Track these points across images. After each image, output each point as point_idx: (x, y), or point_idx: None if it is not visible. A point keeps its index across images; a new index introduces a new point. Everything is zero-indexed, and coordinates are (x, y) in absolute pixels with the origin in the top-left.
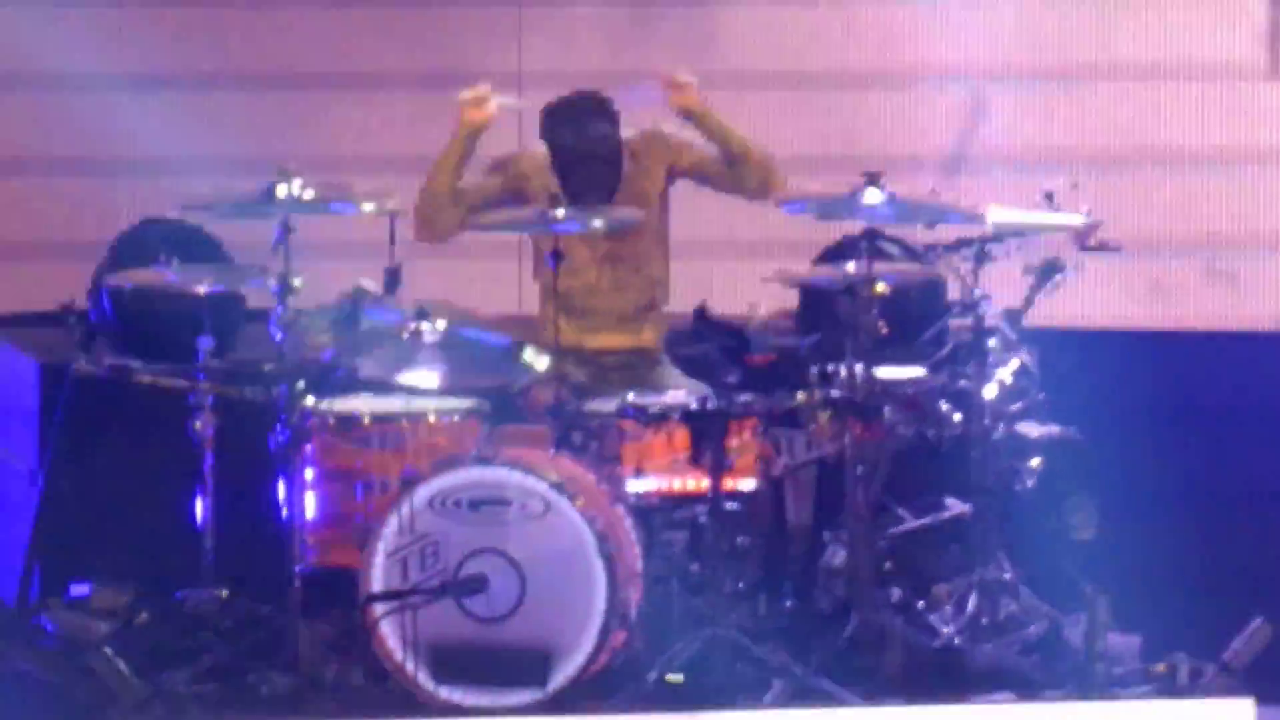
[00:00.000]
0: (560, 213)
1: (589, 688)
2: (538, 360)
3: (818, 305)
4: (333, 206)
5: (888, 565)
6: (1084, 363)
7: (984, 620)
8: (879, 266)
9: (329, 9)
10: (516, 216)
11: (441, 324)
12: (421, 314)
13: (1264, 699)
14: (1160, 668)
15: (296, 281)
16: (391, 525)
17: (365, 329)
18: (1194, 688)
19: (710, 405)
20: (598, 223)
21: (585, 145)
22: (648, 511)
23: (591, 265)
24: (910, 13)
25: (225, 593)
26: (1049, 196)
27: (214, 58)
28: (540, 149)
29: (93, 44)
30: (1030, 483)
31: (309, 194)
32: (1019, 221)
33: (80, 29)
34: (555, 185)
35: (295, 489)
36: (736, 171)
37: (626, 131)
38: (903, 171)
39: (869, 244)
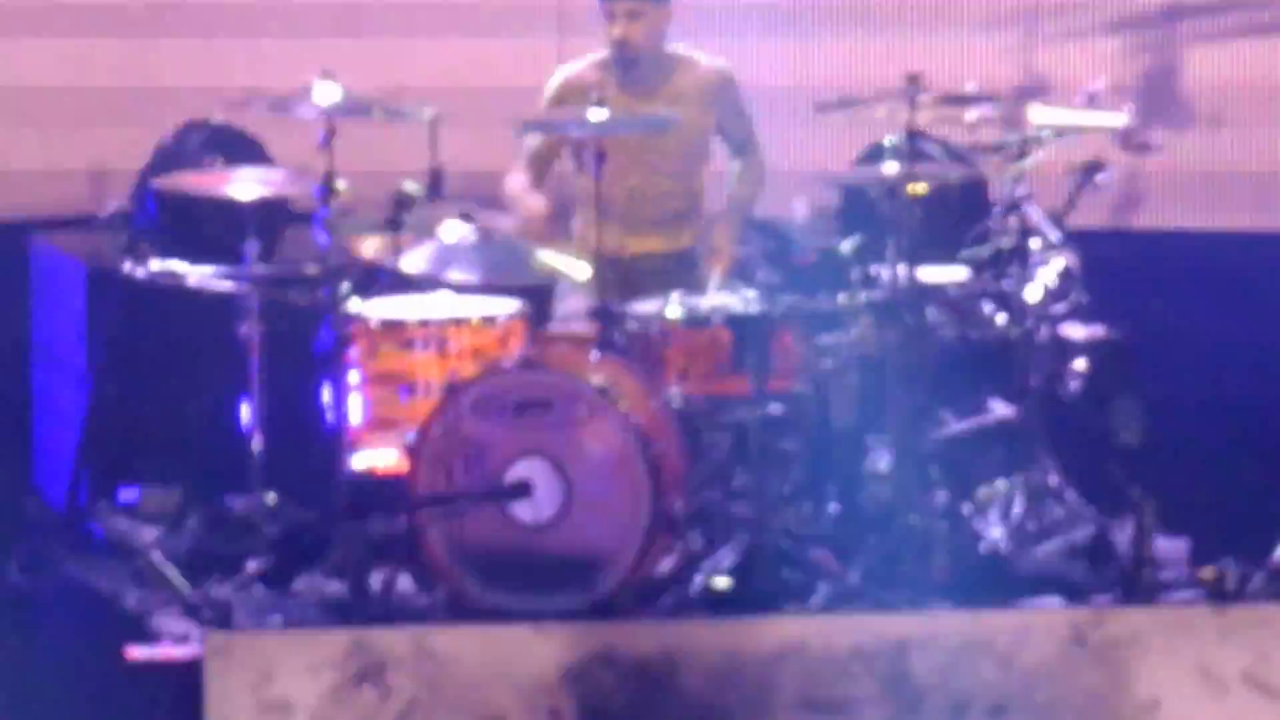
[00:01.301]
0: (602, 113)
1: (634, 593)
2: (578, 268)
3: (859, 206)
4: (375, 108)
5: (932, 469)
6: (1128, 264)
7: (1030, 525)
8: (920, 167)
9: None
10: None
11: (484, 226)
12: (466, 216)
13: None
14: (1208, 572)
15: (340, 184)
16: (436, 430)
17: (409, 231)
18: (1242, 593)
19: (754, 308)
20: (639, 124)
21: None
22: (691, 415)
23: (634, 170)
24: None
25: (272, 497)
26: (1091, 97)
27: None
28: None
29: None
30: (1075, 385)
31: (351, 94)
32: (1061, 121)
33: None
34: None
35: (340, 393)
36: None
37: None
38: None
39: (910, 144)
